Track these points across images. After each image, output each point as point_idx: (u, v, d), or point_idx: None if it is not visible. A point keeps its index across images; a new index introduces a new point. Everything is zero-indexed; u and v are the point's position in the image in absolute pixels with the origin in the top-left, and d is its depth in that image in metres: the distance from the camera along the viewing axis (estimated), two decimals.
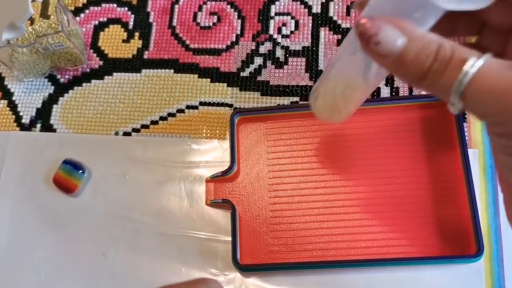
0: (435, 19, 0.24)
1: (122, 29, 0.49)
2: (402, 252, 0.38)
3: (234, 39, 0.47)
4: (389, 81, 0.44)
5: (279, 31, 0.47)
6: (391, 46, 0.23)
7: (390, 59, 0.23)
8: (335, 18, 0.47)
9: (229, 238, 0.40)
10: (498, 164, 0.25)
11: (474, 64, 0.21)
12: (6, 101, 0.48)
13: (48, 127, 0.46)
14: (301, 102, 0.44)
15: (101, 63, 0.48)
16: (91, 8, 0.50)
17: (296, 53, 0.46)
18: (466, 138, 0.40)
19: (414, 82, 0.24)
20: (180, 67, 0.47)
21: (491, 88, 0.21)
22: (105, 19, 0.50)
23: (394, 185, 0.40)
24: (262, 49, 0.47)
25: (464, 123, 0.42)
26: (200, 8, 0.49)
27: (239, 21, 0.48)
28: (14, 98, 0.48)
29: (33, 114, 0.47)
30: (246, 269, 0.39)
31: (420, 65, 0.23)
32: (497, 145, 0.23)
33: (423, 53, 0.22)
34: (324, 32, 0.46)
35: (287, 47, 0.46)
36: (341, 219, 0.40)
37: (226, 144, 0.44)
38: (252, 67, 0.46)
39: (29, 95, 0.47)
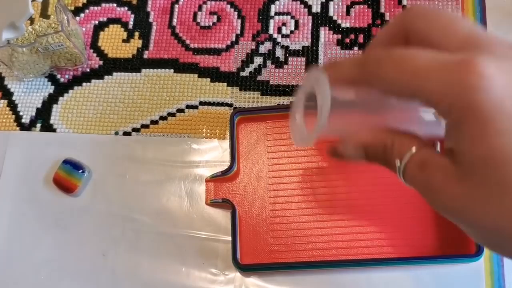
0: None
1: (122, 29, 0.49)
2: (402, 252, 0.38)
3: (234, 39, 0.47)
4: None
5: (279, 30, 0.47)
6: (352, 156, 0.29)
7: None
8: (335, 17, 0.47)
9: (229, 238, 0.40)
10: None
11: (400, 166, 0.27)
12: (6, 101, 0.48)
13: (48, 127, 0.46)
14: None
15: (101, 63, 0.48)
16: (91, 8, 0.50)
17: (296, 53, 0.46)
18: None
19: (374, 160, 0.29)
20: (180, 67, 0.47)
21: (411, 182, 0.27)
22: (105, 19, 0.50)
23: (394, 184, 0.40)
24: (262, 49, 0.47)
25: None
26: (200, 8, 0.49)
27: (239, 20, 0.48)
28: (14, 98, 0.48)
29: (33, 114, 0.47)
30: (246, 269, 0.39)
31: (374, 154, 0.28)
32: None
33: (373, 148, 0.28)
34: (324, 32, 0.46)
35: (287, 46, 0.46)
36: (341, 219, 0.40)
37: (226, 143, 0.44)
38: (252, 67, 0.46)
39: (29, 95, 0.47)
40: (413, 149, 0.26)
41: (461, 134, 0.23)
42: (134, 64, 0.47)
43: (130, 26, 0.49)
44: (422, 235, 0.38)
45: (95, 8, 0.50)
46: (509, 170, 0.22)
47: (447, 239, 0.38)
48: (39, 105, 0.47)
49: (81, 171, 0.43)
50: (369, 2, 0.47)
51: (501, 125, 0.22)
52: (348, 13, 0.47)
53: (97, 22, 0.50)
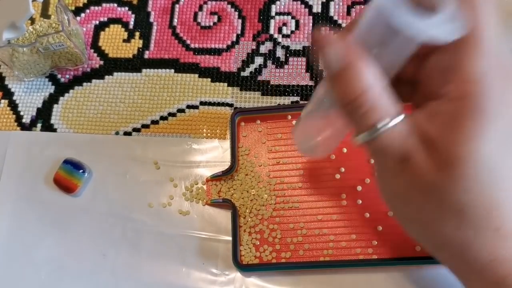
0: (407, 52, 0.26)
1: (123, 29, 0.49)
2: (402, 252, 0.38)
3: (234, 39, 0.47)
4: None
5: (280, 30, 0.47)
6: (332, 64, 0.26)
7: (329, 71, 0.26)
8: (335, 17, 0.47)
9: (230, 238, 0.40)
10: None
11: (378, 131, 0.26)
12: (6, 101, 0.48)
13: (48, 127, 0.46)
14: (301, 102, 0.44)
15: (101, 62, 0.48)
16: (92, 7, 0.50)
17: (296, 53, 0.46)
18: None
19: (338, 102, 0.27)
20: (180, 67, 0.47)
21: (378, 149, 0.26)
22: (105, 19, 0.50)
23: None
24: (263, 49, 0.46)
25: None
26: (200, 8, 0.49)
27: (240, 20, 0.48)
28: (14, 97, 0.48)
29: (34, 113, 0.47)
30: (247, 269, 0.39)
31: (344, 93, 0.26)
32: (377, 180, 0.30)
33: (348, 87, 0.26)
34: (324, 32, 0.46)
35: (288, 46, 0.46)
36: (342, 219, 0.40)
37: (227, 143, 0.44)
38: (252, 67, 0.46)
39: (29, 95, 0.47)
40: (397, 116, 0.26)
41: (456, 128, 0.24)
42: (134, 64, 0.47)
43: (131, 26, 0.49)
44: None
45: (96, 8, 0.50)
46: (480, 174, 0.25)
47: None
48: (40, 105, 0.47)
49: (81, 171, 0.43)
50: (369, 2, 0.47)
51: (493, 134, 0.24)
52: (348, 13, 0.47)
53: (97, 22, 0.50)
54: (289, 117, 0.43)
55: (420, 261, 0.38)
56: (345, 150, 0.41)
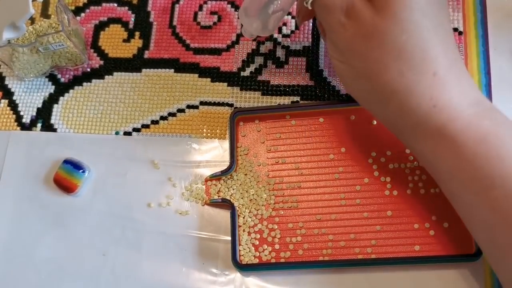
0: None
1: (123, 29, 0.49)
2: (401, 252, 0.38)
3: (234, 39, 0.47)
4: None
5: (280, 30, 0.47)
6: None
7: None
8: None
9: (229, 238, 0.40)
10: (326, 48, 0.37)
11: None
12: (6, 101, 0.48)
13: (48, 127, 0.46)
14: (301, 102, 0.44)
15: (101, 62, 0.48)
16: (92, 7, 0.50)
17: (296, 53, 0.46)
18: None
19: None
20: (180, 67, 0.47)
21: (326, 4, 0.32)
22: (105, 19, 0.50)
23: (394, 184, 0.40)
24: (263, 49, 0.46)
25: None
26: (200, 8, 0.49)
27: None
28: (14, 97, 0.48)
29: (34, 113, 0.47)
30: (246, 269, 0.39)
31: None
32: (328, 46, 0.35)
33: None
34: None
35: (288, 46, 0.46)
36: (341, 218, 0.40)
37: (227, 143, 0.44)
38: (252, 67, 0.46)
39: (29, 95, 0.47)
40: None
41: None
42: (134, 64, 0.47)
43: (131, 26, 0.49)
44: (422, 234, 0.38)
45: (96, 7, 0.50)
46: (412, 14, 0.30)
47: (447, 239, 0.38)
48: (40, 105, 0.47)
49: (81, 171, 0.43)
50: None
51: None
52: None
53: (97, 22, 0.50)
54: (288, 117, 0.43)
55: (418, 261, 0.38)
56: (343, 149, 0.41)
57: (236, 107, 0.45)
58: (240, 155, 0.42)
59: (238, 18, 0.40)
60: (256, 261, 0.39)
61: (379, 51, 0.30)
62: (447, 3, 0.33)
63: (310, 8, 0.33)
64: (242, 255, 0.40)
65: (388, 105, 0.32)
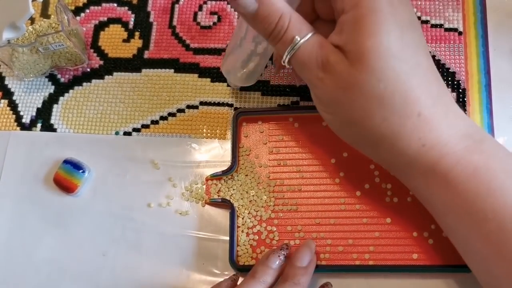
0: None
1: (123, 29, 0.49)
2: (399, 259, 0.38)
3: None
4: None
5: None
6: (247, 7, 0.31)
7: (247, 17, 0.31)
8: None
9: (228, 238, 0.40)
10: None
11: (298, 42, 0.31)
12: (6, 101, 0.48)
13: (48, 127, 0.46)
14: (304, 104, 0.44)
15: (101, 62, 0.48)
16: (92, 7, 0.50)
17: None
18: None
19: (264, 38, 0.32)
20: (180, 67, 0.47)
21: (302, 62, 0.31)
22: (105, 19, 0.49)
23: (393, 191, 0.40)
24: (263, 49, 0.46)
25: None
26: (200, 8, 0.49)
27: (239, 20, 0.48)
28: (14, 97, 0.48)
29: (34, 113, 0.47)
30: (244, 270, 0.39)
31: (266, 26, 0.31)
32: (312, 98, 0.34)
33: (268, 19, 0.31)
34: None
35: None
36: (340, 223, 0.40)
37: (227, 144, 0.44)
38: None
39: (29, 95, 0.47)
40: (312, 31, 0.31)
41: (358, 30, 0.29)
42: (134, 64, 0.47)
43: (131, 26, 0.49)
44: (421, 243, 0.38)
45: (96, 7, 0.50)
46: (386, 62, 0.29)
47: (445, 248, 0.37)
48: (40, 105, 0.47)
49: (81, 171, 0.43)
50: None
51: (389, 27, 0.29)
52: None
53: (97, 22, 0.49)
54: (291, 119, 0.43)
55: (416, 270, 0.38)
56: (345, 154, 0.41)
57: (238, 108, 0.45)
58: (242, 156, 0.42)
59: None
60: (253, 262, 0.39)
61: (361, 101, 0.30)
62: (424, 40, 0.32)
63: (288, 66, 0.33)
64: (240, 256, 0.40)
65: (378, 148, 0.32)
